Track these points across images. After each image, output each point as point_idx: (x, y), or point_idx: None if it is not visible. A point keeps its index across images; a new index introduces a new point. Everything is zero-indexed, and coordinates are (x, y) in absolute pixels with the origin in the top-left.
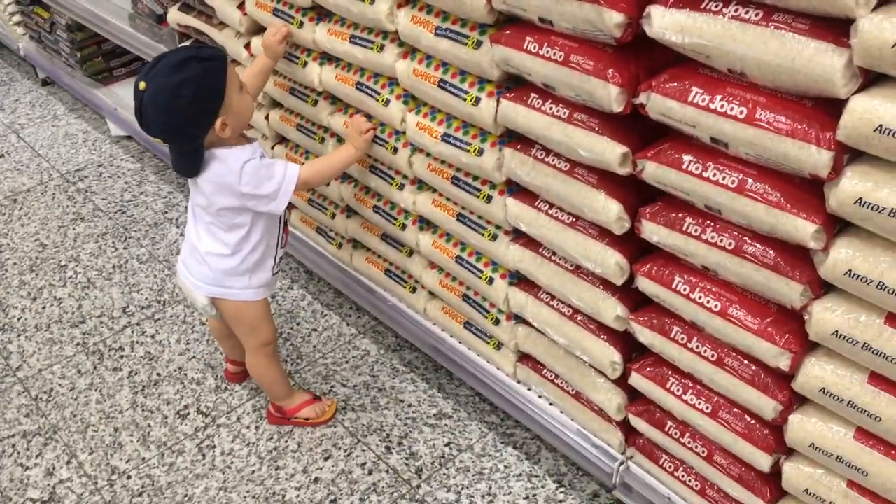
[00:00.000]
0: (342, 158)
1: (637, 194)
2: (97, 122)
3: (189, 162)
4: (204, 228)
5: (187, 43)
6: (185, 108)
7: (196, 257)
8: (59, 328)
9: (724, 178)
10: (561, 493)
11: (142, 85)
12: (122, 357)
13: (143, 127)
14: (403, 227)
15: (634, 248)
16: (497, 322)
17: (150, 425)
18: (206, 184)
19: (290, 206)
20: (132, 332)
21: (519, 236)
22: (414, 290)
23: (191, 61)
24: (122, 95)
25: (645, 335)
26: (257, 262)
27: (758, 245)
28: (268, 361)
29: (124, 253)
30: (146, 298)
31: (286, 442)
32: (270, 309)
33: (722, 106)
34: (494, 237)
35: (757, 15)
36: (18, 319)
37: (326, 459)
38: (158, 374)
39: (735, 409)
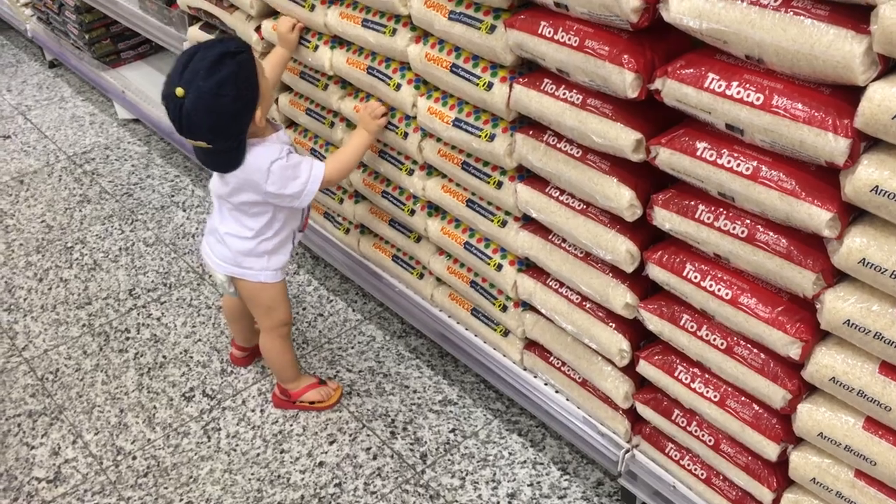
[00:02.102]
0: (360, 146)
1: (649, 181)
2: (104, 105)
3: (231, 158)
4: (227, 212)
5: (198, 28)
6: (229, 107)
7: (216, 236)
8: (66, 309)
9: (738, 166)
10: (565, 480)
11: (179, 91)
12: (127, 339)
13: (185, 132)
14: (412, 212)
15: (645, 235)
16: (505, 309)
17: (155, 407)
18: (232, 177)
19: None
20: (138, 314)
21: (528, 223)
22: (421, 276)
23: (225, 58)
24: (129, 78)
25: (654, 323)
26: (277, 245)
27: (771, 233)
28: (282, 344)
29: (131, 235)
30: (152, 281)
31: (291, 425)
32: (287, 291)
33: (738, 92)
34: (504, 223)
35: (776, 1)
36: (25, 300)
37: (331, 443)
38: (164, 357)
39: (743, 398)
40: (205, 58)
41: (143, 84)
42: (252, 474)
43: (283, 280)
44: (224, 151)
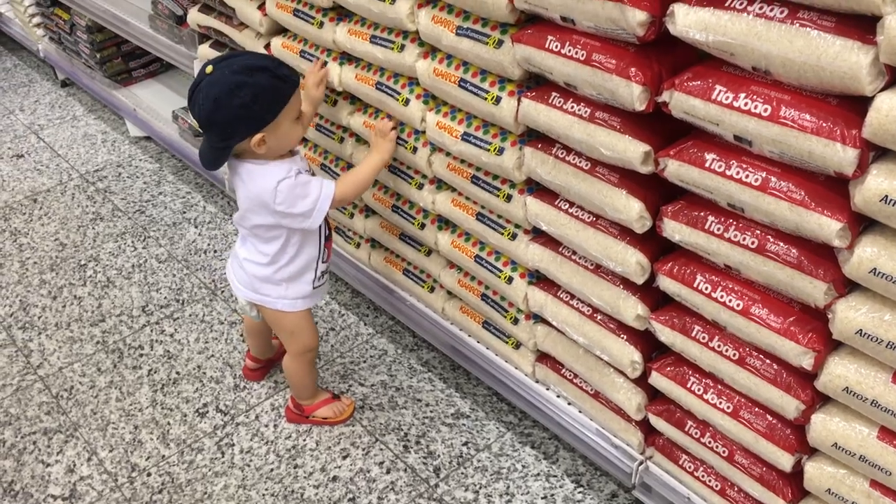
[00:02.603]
0: (371, 167)
1: (659, 192)
2: (116, 123)
3: (213, 156)
4: (243, 237)
5: (208, 46)
6: (233, 109)
7: (237, 261)
8: (80, 327)
9: (747, 177)
10: (579, 493)
11: (209, 69)
12: (141, 355)
13: (189, 105)
14: (422, 226)
15: (656, 246)
16: (516, 321)
17: (169, 423)
18: (243, 199)
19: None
20: (151, 330)
21: (538, 235)
22: (432, 289)
23: (263, 71)
24: (141, 96)
25: (665, 334)
26: (295, 273)
27: (781, 243)
28: (305, 367)
29: (143, 252)
30: (165, 297)
31: (304, 440)
32: (312, 317)
33: (746, 104)
34: (514, 236)
35: (782, 12)
36: (39, 318)
37: (345, 458)
38: (178, 373)
39: (757, 409)
40: (249, 60)
41: (155, 102)
42: (266, 490)
43: (304, 309)
44: (209, 144)
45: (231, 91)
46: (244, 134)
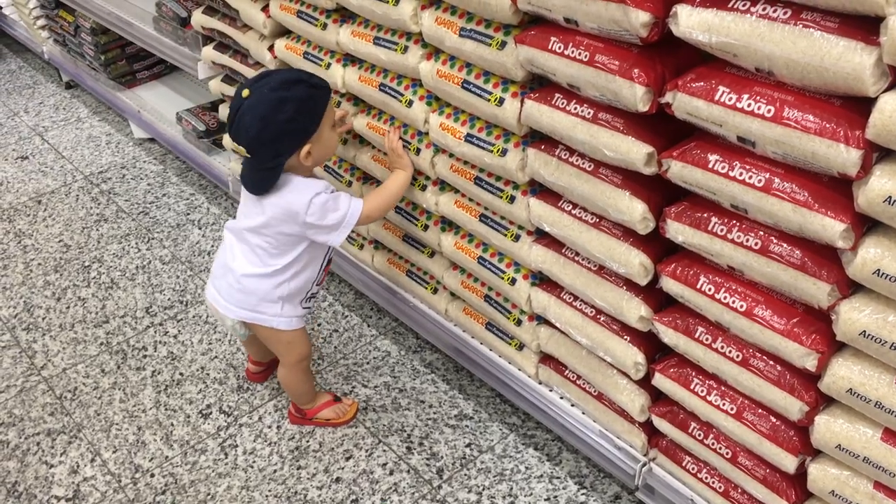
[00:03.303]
0: (398, 186)
1: (662, 194)
2: (120, 125)
3: (263, 179)
4: (247, 249)
5: (212, 48)
6: (281, 124)
7: (229, 279)
8: (83, 328)
9: (750, 178)
10: (582, 494)
11: (245, 92)
12: (145, 357)
13: (233, 133)
14: (425, 227)
15: (659, 248)
16: (519, 323)
17: (172, 424)
18: (272, 207)
19: None
20: (155, 331)
21: (542, 237)
22: (435, 290)
23: (300, 83)
24: (145, 98)
25: (669, 336)
26: (293, 291)
27: (784, 245)
28: (302, 376)
29: (147, 254)
30: (169, 299)
31: (308, 442)
32: (306, 328)
33: (749, 105)
34: (517, 238)
35: (785, 13)
36: (43, 319)
37: (348, 459)
38: (181, 374)
39: (760, 410)
40: (283, 75)
41: (159, 103)
42: (269, 491)
43: (300, 327)
44: (259, 168)
45: (275, 107)
46: (292, 149)
